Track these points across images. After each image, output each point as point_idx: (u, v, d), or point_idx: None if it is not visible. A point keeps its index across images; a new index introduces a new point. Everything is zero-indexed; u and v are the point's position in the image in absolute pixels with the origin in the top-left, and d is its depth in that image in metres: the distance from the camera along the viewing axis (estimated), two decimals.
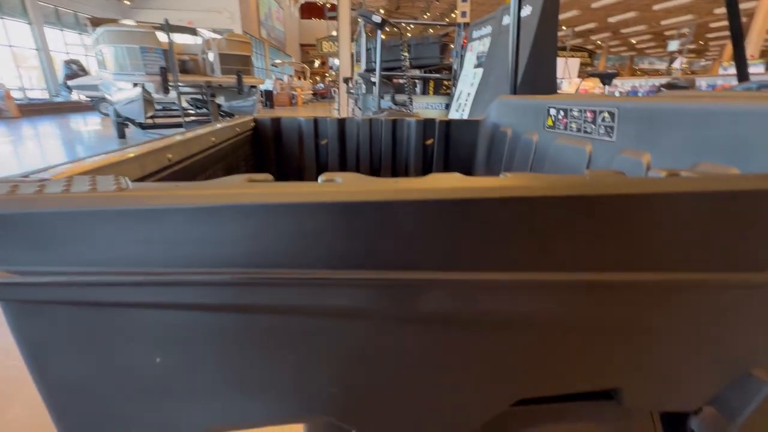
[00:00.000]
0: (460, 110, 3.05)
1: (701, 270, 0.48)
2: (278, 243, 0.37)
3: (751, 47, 8.81)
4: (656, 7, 15.50)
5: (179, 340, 0.41)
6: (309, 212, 0.37)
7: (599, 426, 0.62)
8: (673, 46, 7.42)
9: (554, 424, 0.60)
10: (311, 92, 22.68)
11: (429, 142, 1.61)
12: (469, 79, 3.07)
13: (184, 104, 6.70)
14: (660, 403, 0.57)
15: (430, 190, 0.38)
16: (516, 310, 0.44)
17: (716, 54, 21.39)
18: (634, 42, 23.36)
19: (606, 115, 0.94)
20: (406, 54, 3.31)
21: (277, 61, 21.29)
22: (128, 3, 14.15)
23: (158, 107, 6.06)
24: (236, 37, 6.59)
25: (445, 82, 3.75)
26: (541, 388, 0.52)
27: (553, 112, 1.16)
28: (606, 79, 2.78)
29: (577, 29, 20.95)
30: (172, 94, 5.60)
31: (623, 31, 20.49)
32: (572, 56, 11.20)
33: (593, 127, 0.99)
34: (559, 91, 7.12)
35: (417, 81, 4.19)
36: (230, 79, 6.02)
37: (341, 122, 1.57)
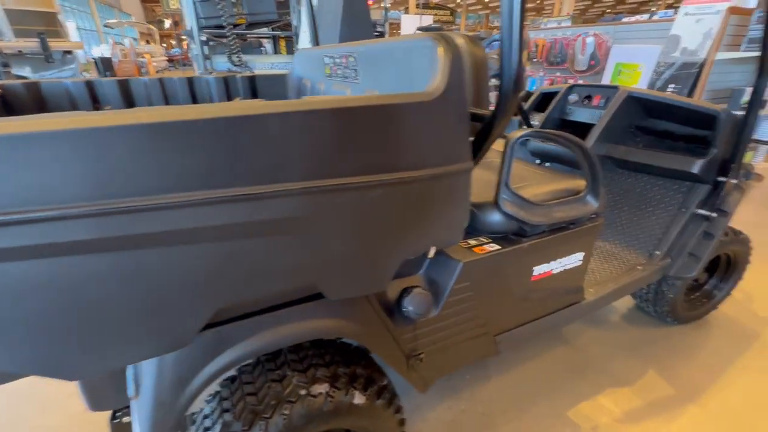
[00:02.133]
0: None
1: (369, 173, 0.57)
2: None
3: (566, 7, 10.36)
4: None
5: None
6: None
7: (322, 321, 0.71)
8: None
9: (275, 329, 0.66)
10: (165, 58, 19.58)
11: (237, 99, 1.53)
12: (307, 36, 2.98)
13: None
14: (357, 290, 0.66)
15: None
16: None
17: (549, 13, 24.69)
18: (487, 1, 25.45)
19: (352, 59, 1.00)
20: (236, 9, 3.04)
21: (111, 20, 17.64)
22: None
23: None
24: None
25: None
26: (253, 290, 0.57)
27: (327, 60, 1.19)
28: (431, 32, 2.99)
29: None
30: None
31: None
32: (427, 13, 11.69)
33: (349, 71, 1.05)
34: None
35: (264, 39, 3.91)
36: (30, 44, 4.79)
37: (124, 83, 1.38)
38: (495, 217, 0.94)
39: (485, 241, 0.97)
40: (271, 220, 0.54)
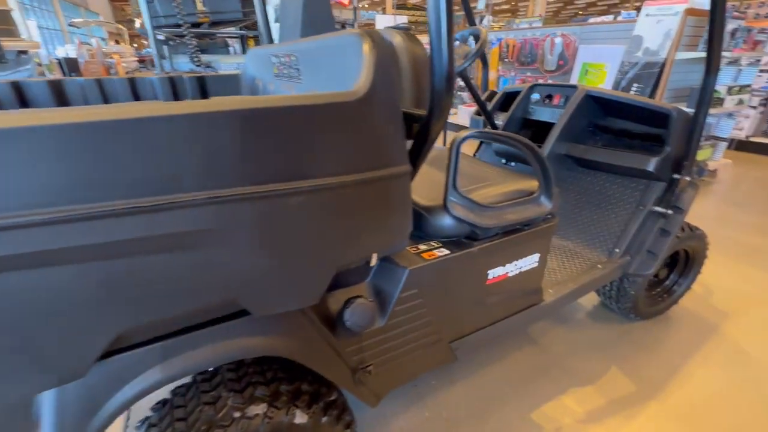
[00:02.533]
0: None
1: (285, 180, 0.52)
2: None
3: (539, 8, 10.56)
4: None
5: None
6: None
7: (251, 339, 0.66)
8: (481, 4, 8.43)
9: (195, 351, 0.61)
10: (136, 59, 18.93)
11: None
12: (273, 35, 2.90)
13: None
14: (285, 305, 0.62)
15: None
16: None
17: (524, 14, 25.19)
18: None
19: (294, 58, 0.95)
20: (198, 8, 2.94)
21: (77, 20, 16.95)
22: None
23: None
24: None
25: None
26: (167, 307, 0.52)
27: (274, 60, 1.14)
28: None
29: None
30: None
31: None
32: (402, 14, 11.72)
33: (293, 71, 1.00)
34: None
35: (232, 39, 3.80)
36: None
37: (57, 84, 1.28)
38: (445, 221, 0.91)
39: (436, 245, 0.93)
40: (172, 235, 0.48)
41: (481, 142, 2.05)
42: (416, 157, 0.75)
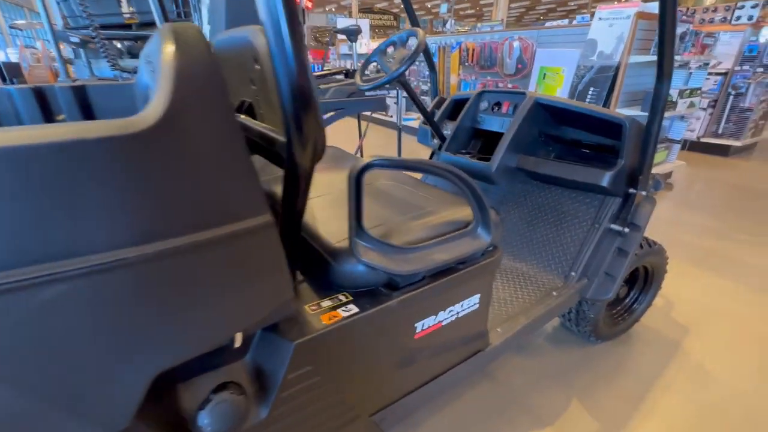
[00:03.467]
0: None
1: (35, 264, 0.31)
2: None
3: (501, 12, 10.70)
4: None
5: None
6: None
7: None
8: (444, 9, 8.44)
9: None
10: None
11: (60, 117, 1.20)
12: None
13: None
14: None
15: None
16: None
17: (489, 19, 25.71)
18: (429, 6, 25.98)
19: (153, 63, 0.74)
20: (129, 9, 2.64)
21: (20, 21, 15.77)
22: None
23: None
24: None
25: None
26: None
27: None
28: (351, 36, 2.80)
29: None
30: None
31: None
32: (365, 17, 11.63)
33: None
34: (349, 51, 7.36)
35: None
36: None
37: None
38: (353, 269, 0.72)
39: (344, 300, 0.74)
40: None
41: (433, 152, 1.89)
42: (292, 199, 0.56)
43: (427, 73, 5.70)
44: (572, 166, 1.38)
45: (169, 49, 0.42)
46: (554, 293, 1.31)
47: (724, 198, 3.35)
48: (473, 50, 4.82)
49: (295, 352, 0.63)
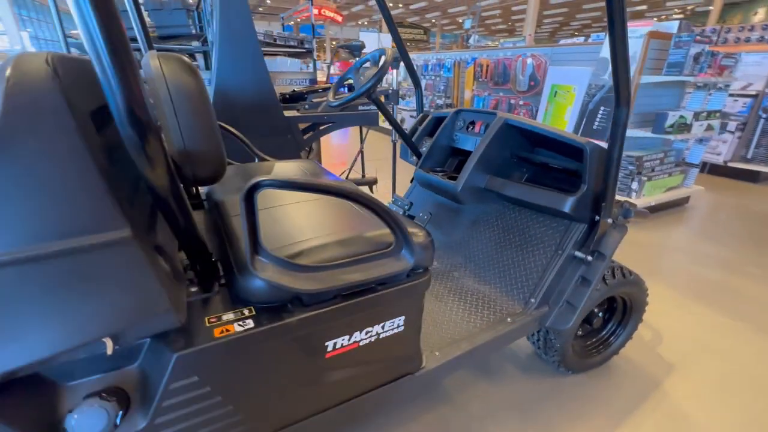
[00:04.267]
0: None
1: None
2: None
3: (529, 28, 10.61)
4: None
5: None
6: None
7: None
8: (467, 24, 8.45)
9: None
10: None
11: None
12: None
13: None
14: None
15: None
16: None
17: (521, 34, 25.51)
18: (461, 21, 26.11)
19: None
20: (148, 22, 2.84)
21: (75, 31, 17.04)
22: None
23: None
24: None
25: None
26: None
27: None
28: (354, 51, 2.87)
29: (411, 7, 22.34)
30: None
31: (450, 11, 22.66)
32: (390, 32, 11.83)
33: None
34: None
35: (197, 54, 3.67)
36: None
37: None
38: (253, 285, 0.74)
39: (246, 314, 0.76)
40: None
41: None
42: (169, 216, 0.58)
43: (443, 87, 5.71)
44: (537, 189, 1.35)
45: (3, 76, 0.46)
46: (509, 319, 1.27)
47: (744, 227, 3.14)
48: (487, 66, 4.80)
49: (176, 363, 0.64)
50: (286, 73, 3.47)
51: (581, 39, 4.34)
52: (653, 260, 2.58)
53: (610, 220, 1.26)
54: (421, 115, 1.95)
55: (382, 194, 3.64)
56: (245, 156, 1.74)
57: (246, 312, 0.76)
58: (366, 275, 0.82)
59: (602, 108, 3.38)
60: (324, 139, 6.45)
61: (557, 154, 1.44)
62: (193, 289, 0.81)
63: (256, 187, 0.66)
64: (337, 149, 5.96)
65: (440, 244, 1.74)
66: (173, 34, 3.03)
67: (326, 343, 0.83)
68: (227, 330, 0.71)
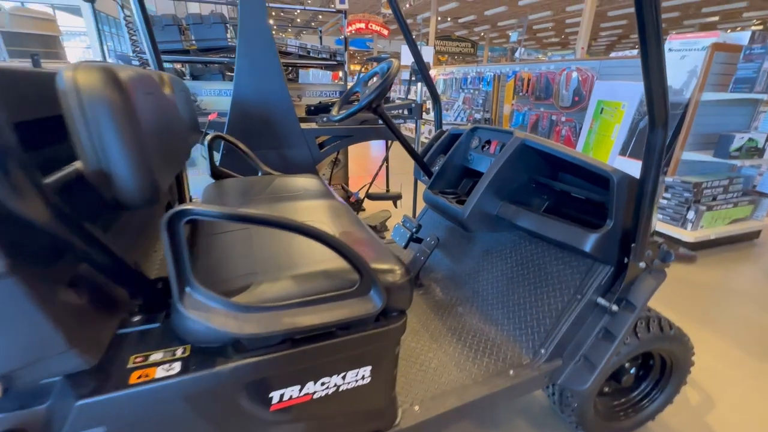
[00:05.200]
0: None
1: None
2: None
3: (582, 41, 10.09)
4: (521, 3, 17.09)
5: None
6: None
7: None
8: (514, 37, 8.18)
9: None
10: None
11: None
12: None
13: None
14: None
15: None
16: None
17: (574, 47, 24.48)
18: (510, 34, 25.58)
19: None
20: (184, 37, 2.97)
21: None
22: None
23: None
24: (27, 12, 5.45)
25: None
26: None
27: None
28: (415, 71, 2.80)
29: (460, 21, 22.23)
30: None
31: (500, 24, 22.27)
32: (443, 45, 11.79)
33: None
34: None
35: (210, 65, 3.78)
36: (24, 65, 4.99)
37: None
38: (184, 323, 0.65)
39: (178, 355, 0.67)
40: None
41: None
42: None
43: (482, 101, 5.51)
44: (555, 222, 1.16)
45: None
46: (511, 372, 1.09)
47: None
48: (529, 80, 4.56)
49: (78, 411, 0.57)
50: (316, 85, 3.48)
51: (635, 52, 3.99)
52: (708, 305, 2.22)
53: (642, 264, 1.06)
54: (438, 132, 1.82)
55: (405, 210, 3.51)
56: (250, 169, 1.70)
57: (179, 352, 0.68)
58: (320, 319, 0.71)
59: None
60: (356, 151, 6.45)
61: (583, 181, 1.25)
62: (136, 319, 0.74)
63: (179, 216, 0.58)
64: (370, 161, 5.92)
65: (447, 274, 1.58)
66: (212, 47, 3.14)
67: (271, 394, 0.72)
68: (146, 375, 0.62)
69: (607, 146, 3.48)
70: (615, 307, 1.06)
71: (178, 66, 3.64)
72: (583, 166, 1.10)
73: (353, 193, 2.92)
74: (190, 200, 1.47)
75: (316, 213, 1.09)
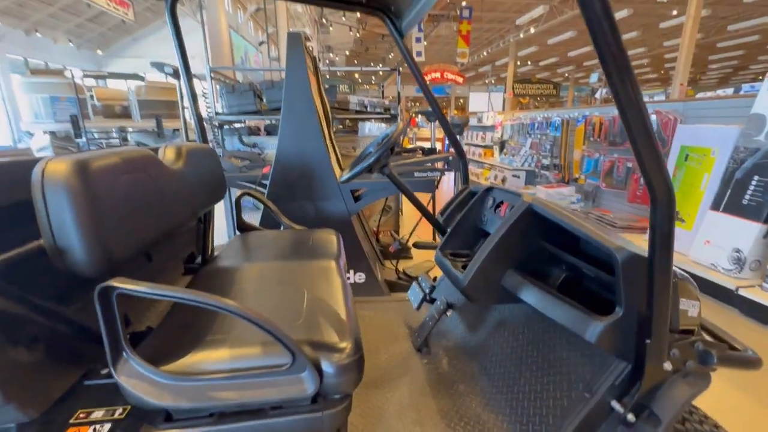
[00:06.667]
0: None
1: None
2: None
3: (680, 77, 9.13)
4: None
5: None
6: None
7: None
8: (594, 78, 7.71)
9: None
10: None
11: None
12: None
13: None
14: None
15: None
16: None
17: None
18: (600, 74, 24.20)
19: None
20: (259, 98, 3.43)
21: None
22: (100, 53, 14.69)
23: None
24: (157, 83, 6.83)
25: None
26: None
27: None
28: (429, 116, 2.84)
29: (541, 63, 21.84)
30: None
31: (585, 64, 21.35)
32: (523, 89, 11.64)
33: None
34: (478, 123, 7.37)
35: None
36: (150, 123, 6.21)
37: None
38: (123, 387, 0.69)
39: (115, 416, 0.71)
40: None
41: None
42: None
43: (549, 146, 5.23)
44: (558, 301, 1.01)
45: None
46: None
47: None
48: (601, 124, 4.21)
49: None
50: (369, 137, 3.67)
51: (730, 90, 3.47)
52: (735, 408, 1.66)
53: (668, 366, 0.85)
54: (463, 187, 1.76)
55: None
56: (276, 222, 1.82)
57: (118, 413, 0.72)
58: (246, 396, 0.70)
59: (756, 177, 2.55)
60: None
61: (595, 257, 1.07)
62: (104, 371, 0.81)
63: (107, 290, 0.64)
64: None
65: (459, 342, 1.45)
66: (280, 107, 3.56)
67: None
68: None
69: (695, 199, 2.99)
70: (631, 417, 0.85)
71: (252, 124, 4.14)
72: (588, 238, 0.96)
73: (394, 243, 2.91)
74: (212, 252, 1.62)
75: (305, 275, 1.12)
